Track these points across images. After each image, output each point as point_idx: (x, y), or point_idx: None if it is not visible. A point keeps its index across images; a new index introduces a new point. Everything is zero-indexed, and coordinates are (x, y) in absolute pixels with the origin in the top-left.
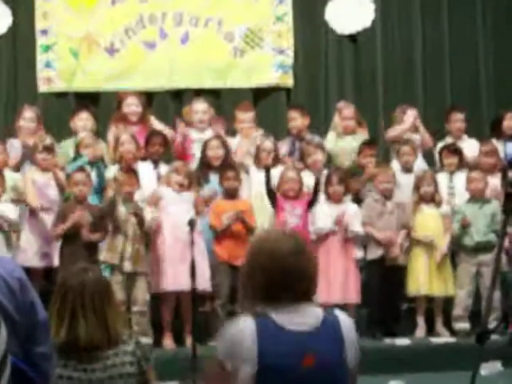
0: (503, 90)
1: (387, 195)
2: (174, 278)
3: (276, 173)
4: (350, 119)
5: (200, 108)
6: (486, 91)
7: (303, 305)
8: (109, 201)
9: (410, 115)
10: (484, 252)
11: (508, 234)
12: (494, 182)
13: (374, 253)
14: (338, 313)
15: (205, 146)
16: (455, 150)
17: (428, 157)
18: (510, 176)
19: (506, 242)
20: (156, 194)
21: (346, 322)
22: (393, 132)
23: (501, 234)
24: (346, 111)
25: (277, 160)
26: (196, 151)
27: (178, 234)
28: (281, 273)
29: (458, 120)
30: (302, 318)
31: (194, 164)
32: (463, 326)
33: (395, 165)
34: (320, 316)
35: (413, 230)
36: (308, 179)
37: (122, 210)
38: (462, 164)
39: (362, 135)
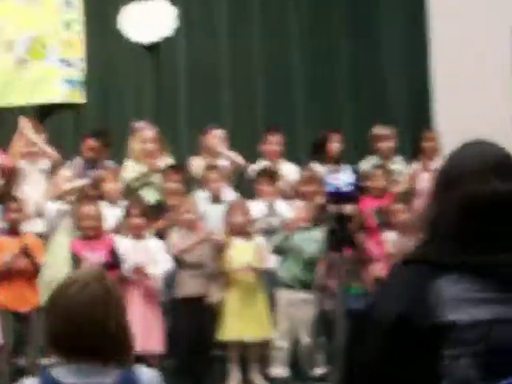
0: (318, 108)
1: (191, 228)
2: None
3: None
4: (151, 142)
5: None
6: (303, 110)
7: (98, 361)
8: None
9: (212, 137)
10: (304, 288)
11: (328, 270)
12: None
13: (182, 290)
14: (137, 367)
15: None
16: (271, 176)
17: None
18: (331, 210)
19: (329, 280)
20: None
21: (146, 376)
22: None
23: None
24: (145, 133)
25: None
26: None
27: None
28: (71, 325)
29: (273, 142)
30: (93, 378)
31: None
32: (281, 372)
33: (202, 193)
34: (114, 374)
35: (224, 266)
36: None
37: None
38: (280, 191)
39: (166, 160)
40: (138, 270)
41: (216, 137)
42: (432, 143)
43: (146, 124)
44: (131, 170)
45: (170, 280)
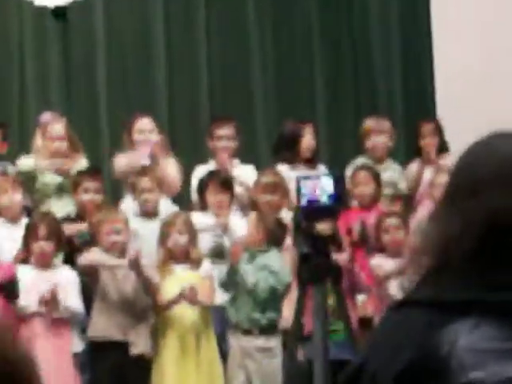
0: (284, 94)
1: (120, 251)
2: None
3: None
4: (60, 139)
5: None
6: (264, 95)
7: None
8: None
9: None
10: (265, 334)
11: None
12: None
13: (98, 333)
14: None
15: None
16: (223, 181)
17: None
18: (303, 229)
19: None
20: None
21: None
22: (121, 160)
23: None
24: (51, 127)
25: None
26: None
27: None
28: None
29: (223, 137)
30: None
31: None
32: None
33: (130, 206)
34: None
35: (158, 301)
36: None
37: None
38: (235, 201)
39: (80, 162)
40: (47, 301)
41: (146, 128)
42: (435, 139)
43: (53, 116)
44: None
45: (86, 319)
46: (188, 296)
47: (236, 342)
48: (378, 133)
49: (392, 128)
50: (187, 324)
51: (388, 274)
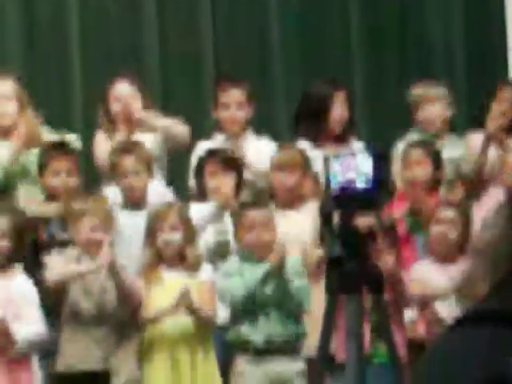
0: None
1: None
2: None
3: None
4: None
5: None
6: (281, 53)
7: None
8: None
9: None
10: (279, 355)
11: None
12: (299, 218)
13: (68, 362)
14: None
15: None
16: (229, 160)
17: None
18: (335, 223)
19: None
20: None
21: None
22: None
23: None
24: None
25: None
26: None
27: None
28: None
29: (231, 103)
30: None
31: None
32: None
33: (113, 194)
34: None
35: (145, 314)
36: None
37: None
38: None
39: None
40: None
41: (127, 94)
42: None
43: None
44: None
45: (49, 345)
46: (184, 302)
47: (244, 365)
48: (429, 102)
49: (449, 94)
50: (178, 336)
51: (438, 294)
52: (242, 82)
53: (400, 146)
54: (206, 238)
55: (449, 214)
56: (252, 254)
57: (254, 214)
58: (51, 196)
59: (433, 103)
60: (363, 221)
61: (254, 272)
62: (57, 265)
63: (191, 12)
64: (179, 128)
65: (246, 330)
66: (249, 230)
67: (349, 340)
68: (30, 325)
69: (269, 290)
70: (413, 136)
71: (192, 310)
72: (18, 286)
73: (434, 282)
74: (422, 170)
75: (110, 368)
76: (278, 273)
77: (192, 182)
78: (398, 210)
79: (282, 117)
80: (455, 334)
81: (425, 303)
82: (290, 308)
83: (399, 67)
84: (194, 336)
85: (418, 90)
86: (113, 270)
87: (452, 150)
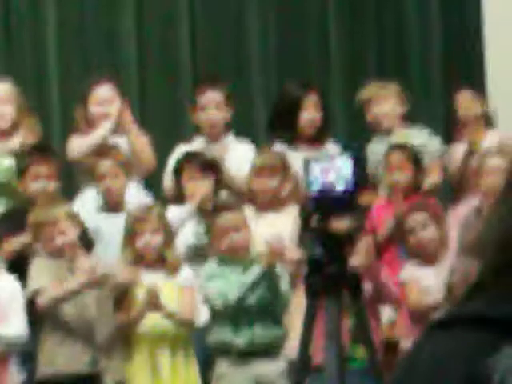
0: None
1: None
2: None
3: None
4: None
5: None
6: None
7: None
8: None
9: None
10: (260, 357)
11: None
12: (279, 221)
13: (52, 366)
14: None
15: None
16: (208, 164)
17: None
18: (314, 226)
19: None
20: None
21: None
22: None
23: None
24: None
25: None
26: None
27: None
28: None
29: (209, 104)
30: None
31: None
32: None
33: (91, 197)
34: None
35: (125, 317)
36: None
37: None
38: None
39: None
40: None
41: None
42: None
43: None
44: None
45: (31, 348)
46: (150, 301)
47: (225, 368)
48: (381, 99)
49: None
50: (158, 338)
51: (434, 305)
52: (220, 83)
53: (373, 147)
54: (184, 240)
55: (418, 217)
56: (229, 257)
57: (224, 219)
58: (30, 201)
59: (384, 101)
60: (342, 223)
61: (237, 274)
62: (46, 286)
63: (168, 17)
64: (148, 157)
65: (228, 333)
66: (222, 235)
67: (329, 342)
68: (11, 325)
69: (258, 292)
70: (381, 139)
71: (165, 313)
72: (3, 286)
73: (425, 283)
74: (403, 175)
75: (97, 371)
76: (269, 275)
77: (167, 183)
78: (382, 221)
79: (260, 118)
80: (434, 337)
81: (419, 316)
82: (277, 310)
83: (377, 67)
84: (174, 338)
85: (367, 91)
86: (104, 280)
87: (416, 138)
